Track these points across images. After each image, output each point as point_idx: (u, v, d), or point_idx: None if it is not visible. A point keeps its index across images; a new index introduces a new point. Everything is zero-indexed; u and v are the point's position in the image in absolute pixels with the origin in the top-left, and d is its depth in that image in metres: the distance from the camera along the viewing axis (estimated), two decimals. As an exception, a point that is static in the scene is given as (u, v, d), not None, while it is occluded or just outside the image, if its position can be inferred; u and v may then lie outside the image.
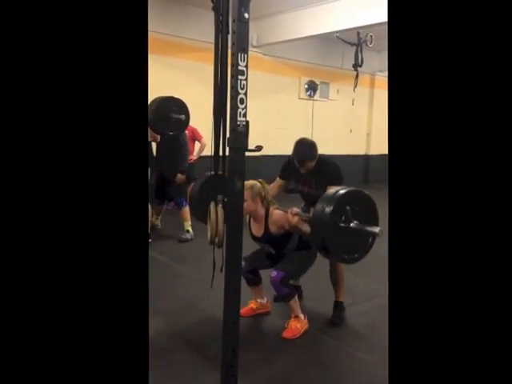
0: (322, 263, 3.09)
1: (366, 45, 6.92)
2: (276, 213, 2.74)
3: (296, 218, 2.51)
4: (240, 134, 1.73)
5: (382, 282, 3.66)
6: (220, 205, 1.89)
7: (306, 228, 2.44)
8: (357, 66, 7.03)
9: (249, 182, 2.72)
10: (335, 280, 3.05)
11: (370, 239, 2.13)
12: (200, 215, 2.51)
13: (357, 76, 7.26)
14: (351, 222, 2.01)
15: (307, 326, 2.81)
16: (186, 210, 4.93)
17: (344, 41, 6.98)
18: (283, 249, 2.81)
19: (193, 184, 2.73)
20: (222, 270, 1.85)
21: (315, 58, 8.95)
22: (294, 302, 2.79)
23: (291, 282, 2.80)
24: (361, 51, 6.95)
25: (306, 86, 9.03)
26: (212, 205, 1.89)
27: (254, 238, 2.86)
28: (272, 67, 8.30)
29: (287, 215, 2.56)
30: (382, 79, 10.34)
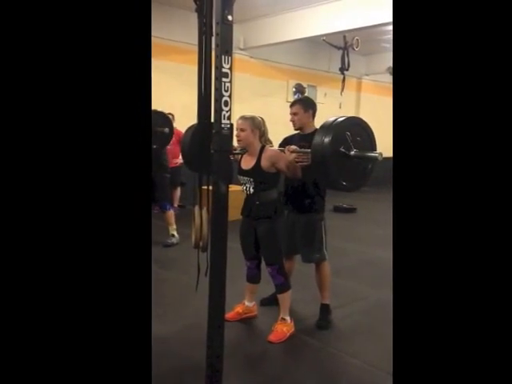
0: (308, 266, 3.09)
1: (353, 48, 6.97)
2: (272, 149, 2.72)
3: (293, 155, 2.48)
4: (224, 137, 1.71)
5: (368, 285, 3.71)
6: (204, 208, 1.88)
7: (299, 171, 2.46)
8: (343, 69, 7.08)
9: (249, 114, 2.73)
10: (321, 282, 3.05)
11: (370, 165, 2.10)
12: (192, 163, 2.43)
13: (343, 79, 7.30)
14: (351, 149, 1.97)
15: (293, 329, 2.80)
16: (171, 213, 4.89)
17: (331, 44, 7.02)
18: (263, 190, 2.70)
19: (184, 132, 2.66)
20: (206, 274, 1.84)
21: (303, 61, 8.98)
22: (287, 298, 2.80)
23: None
24: (347, 55, 6.99)
25: (294, 90, 9.05)
26: (196, 208, 1.87)
27: (241, 171, 2.77)
28: (260, 70, 8.31)
29: (283, 153, 2.55)
30: (369, 83, 10.43)
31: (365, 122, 2.11)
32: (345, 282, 3.74)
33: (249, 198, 2.79)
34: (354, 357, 2.56)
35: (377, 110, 10.42)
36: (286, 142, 3.12)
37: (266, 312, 3.07)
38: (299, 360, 2.54)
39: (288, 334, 2.75)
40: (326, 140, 1.91)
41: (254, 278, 2.95)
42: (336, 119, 2.00)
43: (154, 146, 4.31)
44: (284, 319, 2.79)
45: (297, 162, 2.51)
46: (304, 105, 2.94)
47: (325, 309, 3.04)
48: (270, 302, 3.15)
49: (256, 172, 2.68)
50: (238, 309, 3.00)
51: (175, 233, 4.89)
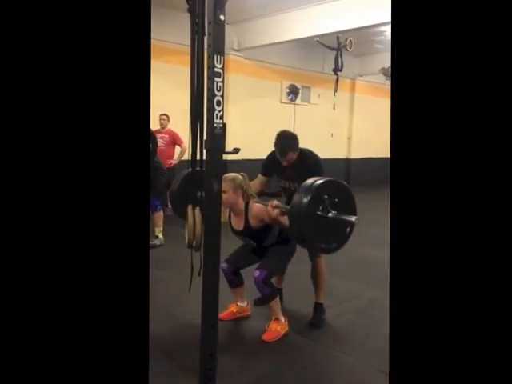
0: (303, 265, 3.11)
1: (346, 49, 6.99)
2: (256, 206, 2.74)
3: (276, 211, 2.53)
4: (217, 137, 1.72)
5: (362, 284, 3.73)
6: (198, 208, 1.88)
7: (286, 221, 2.47)
8: (337, 70, 7.10)
9: (231, 174, 2.75)
10: (316, 281, 3.06)
11: (348, 229, 2.14)
12: (180, 212, 2.49)
13: (337, 80, 7.33)
14: (329, 211, 2.02)
15: (287, 328, 2.81)
16: (160, 214, 4.83)
17: (324, 45, 7.04)
18: (264, 241, 2.80)
19: (173, 181, 2.70)
20: (199, 274, 1.85)
21: (296, 62, 9.00)
22: (275, 304, 2.79)
23: (273, 281, 2.82)
24: (341, 56, 7.02)
25: (288, 90, 9.07)
26: (189, 208, 1.88)
27: (235, 231, 2.84)
28: (254, 71, 8.32)
29: (267, 208, 2.58)
30: (362, 84, 10.47)
31: (344, 185, 2.19)
32: (339, 281, 3.75)
33: (256, 250, 2.88)
34: (348, 355, 2.57)
35: (370, 110, 10.49)
36: (269, 167, 3.11)
37: (259, 311, 3.08)
38: (293, 359, 2.55)
39: (282, 333, 2.76)
40: (305, 201, 1.98)
41: (233, 282, 2.95)
42: (315, 181, 2.08)
43: None
44: (278, 319, 2.80)
45: (282, 213, 2.55)
46: (295, 147, 2.93)
47: (319, 308, 3.05)
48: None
49: (249, 232, 2.77)
50: (232, 308, 3.01)
51: (160, 235, 4.84)
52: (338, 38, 6.82)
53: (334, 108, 9.42)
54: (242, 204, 2.77)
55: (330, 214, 2.03)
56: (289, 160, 2.91)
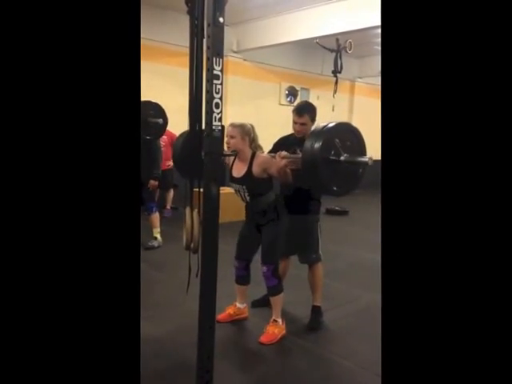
0: (300, 267, 3.10)
1: (346, 51, 6.98)
2: (263, 155, 2.73)
3: (284, 161, 2.50)
4: (215, 139, 1.72)
5: (360, 287, 3.73)
6: (196, 210, 1.88)
7: (290, 177, 2.51)
8: (336, 72, 7.08)
9: (239, 121, 2.76)
10: (313, 284, 3.06)
11: (360, 170, 2.14)
12: (183, 169, 2.50)
13: (336, 82, 7.31)
14: (341, 155, 2.01)
15: (285, 331, 2.80)
16: (156, 216, 4.84)
17: (323, 47, 7.00)
18: (257, 197, 2.73)
19: (176, 138, 2.69)
20: (197, 276, 1.84)
21: (296, 64, 9.00)
22: (279, 299, 2.80)
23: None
24: (340, 57, 7.00)
25: (287, 92, 9.07)
26: (187, 210, 1.88)
27: (233, 179, 2.78)
28: (252, 73, 8.31)
29: (274, 159, 2.57)
30: (362, 86, 10.47)
31: (354, 127, 2.14)
32: (336, 284, 3.75)
33: (248, 206, 2.84)
34: (345, 359, 2.57)
35: (370, 113, 10.48)
36: (278, 146, 3.09)
37: (257, 314, 3.08)
38: (290, 361, 2.55)
39: (279, 336, 2.75)
40: (316, 146, 1.93)
41: (242, 278, 2.96)
42: (326, 125, 2.03)
43: (148, 137, 4.28)
44: (276, 321, 2.80)
45: (288, 167, 2.53)
46: (312, 116, 2.93)
47: (316, 311, 3.05)
48: (262, 304, 3.16)
49: (248, 179, 2.70)
50: (230, 310, 3.00)
51: (158, 236, 4.84)
52: (337, 39, 6.80)
53: (333, 110, 9.40)
54: (248, 152, 2.72)
55: (342, 158, 2.01)
56: (302, 123, 2.89)
